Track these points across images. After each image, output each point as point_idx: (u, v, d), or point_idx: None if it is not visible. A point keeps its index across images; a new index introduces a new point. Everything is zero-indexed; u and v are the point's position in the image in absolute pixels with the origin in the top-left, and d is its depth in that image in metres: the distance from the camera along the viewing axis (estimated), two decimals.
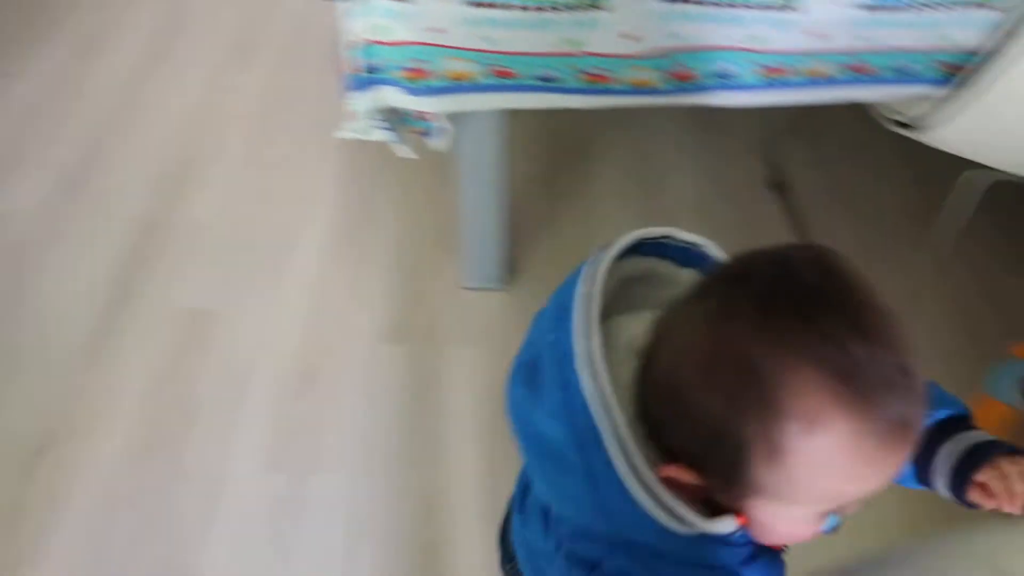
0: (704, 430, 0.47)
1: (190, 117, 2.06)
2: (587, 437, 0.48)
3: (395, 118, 1.22)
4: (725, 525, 0.49)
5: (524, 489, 0.70)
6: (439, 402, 1.47)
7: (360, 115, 1.18)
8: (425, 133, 1.25)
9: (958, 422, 0.63)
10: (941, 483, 0.62)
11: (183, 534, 1.28)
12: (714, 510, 0.50)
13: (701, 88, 1.22)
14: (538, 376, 0.52)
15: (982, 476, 0.60)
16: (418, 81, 1.16)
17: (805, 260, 0.47)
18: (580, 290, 0.53)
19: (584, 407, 0.48)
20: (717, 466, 0.47)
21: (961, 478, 0.61)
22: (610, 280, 0.54)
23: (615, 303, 0.56)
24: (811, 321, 0.44)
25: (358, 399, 1.47)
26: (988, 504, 0.60)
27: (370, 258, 1.72)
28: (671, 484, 0.49)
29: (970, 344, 1.48)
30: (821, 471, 0.45)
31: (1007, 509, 0.58)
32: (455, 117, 1.28)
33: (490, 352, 1.53)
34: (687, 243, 0.58)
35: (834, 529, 0.54)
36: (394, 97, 1.17)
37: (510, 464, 1.31)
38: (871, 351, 0.44)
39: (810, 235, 1.74)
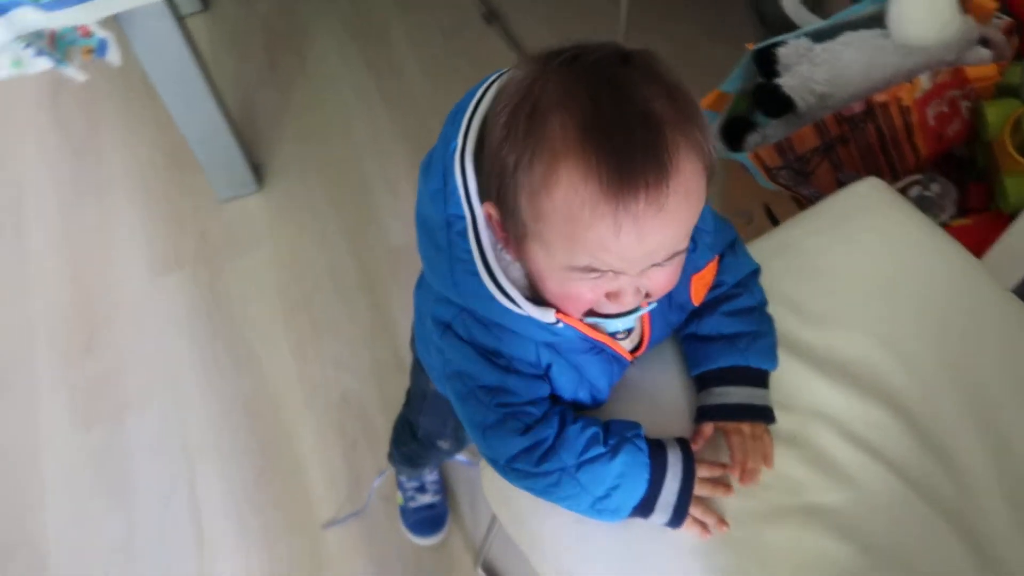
0: (497, 163, 0.55)
1: None
2: (454, 222, 0.58)
3: (55, 43, 1.16)
4: (544, 314, 0.59)
5: None
6: (231, 312, 1.51)
7: (6, 49, 1.11)
8: (97, 51, 1.20)
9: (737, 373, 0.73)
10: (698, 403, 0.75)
11: (17, 512, 1.30)
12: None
13: None
14: (431, 165, 0.60)
15: (730, 434, 0.71)
16: None
17: (610, 46, 0.54)
18: (476, 94, 0.59)
19: (455, 195, 0.57)
20: (504, 201, 0.56)
21: (705, 418, 0.73)
22: None
23: None
24: (582, 76, 0.52)
25: (151, 335, 1.49)
26: (700, 449, 0.71)
27: (112, 199, 1.67)
28: (491, 222, 0.58)
29: None
30: (562, 209, 0.52)
31: (735, 473, 0.70)
32: (123, 26, 1.23)
33: (263, 254, 1.58)
34: None
35: (625, 333, 0.65)
36: (33, 18, 1.10)
37: (319, 348, 1.43)
38: (621, 101, 0.51)
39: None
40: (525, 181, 0.53)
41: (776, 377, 0.79)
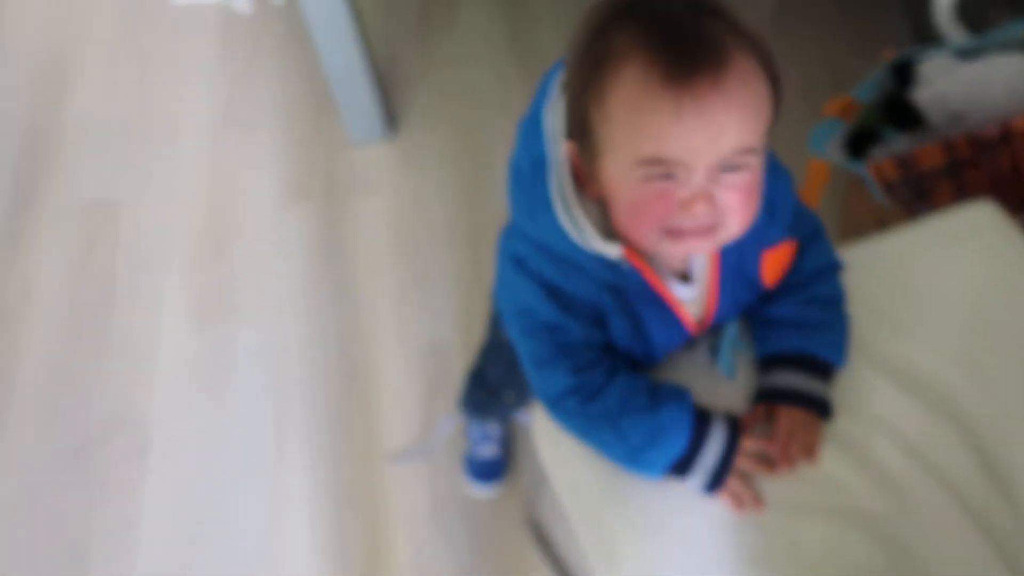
0: (569, 92, 0.60)
1: (53, 17, 2.05)
2: (538, 162, 0.63)
3: None
4: (611, 248, 0.62)
5: None
6: (344, 248, 1.61)
7: None
8: None
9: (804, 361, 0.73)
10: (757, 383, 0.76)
11: (128, 395, 1.45)
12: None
13: None
14: (528, 116, 0.66)
15: (779, 414, 0.72)
16: None
17: None
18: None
19: (540, 139, 0.63)
20: (577, 128, 0.61)
21: (761, 399, 0.74)
22: None
23: None
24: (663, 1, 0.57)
25: (270, 257, 1.61)
26: (751, 427, 0.72)
27: (259, 128, 1.80)
28: (574, 165, 0.62)
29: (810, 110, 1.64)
30: (627, 102, 0.56)
31: (774, 453, 0.71)
32: None
33: (383, 199, 1.67)
34: None
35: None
36: None
37: (418, 295, 1.50)
38: (697, 18, 0.55)
39: None
40: (595, 91, 0.57)
41: (845, 379, 0.78)
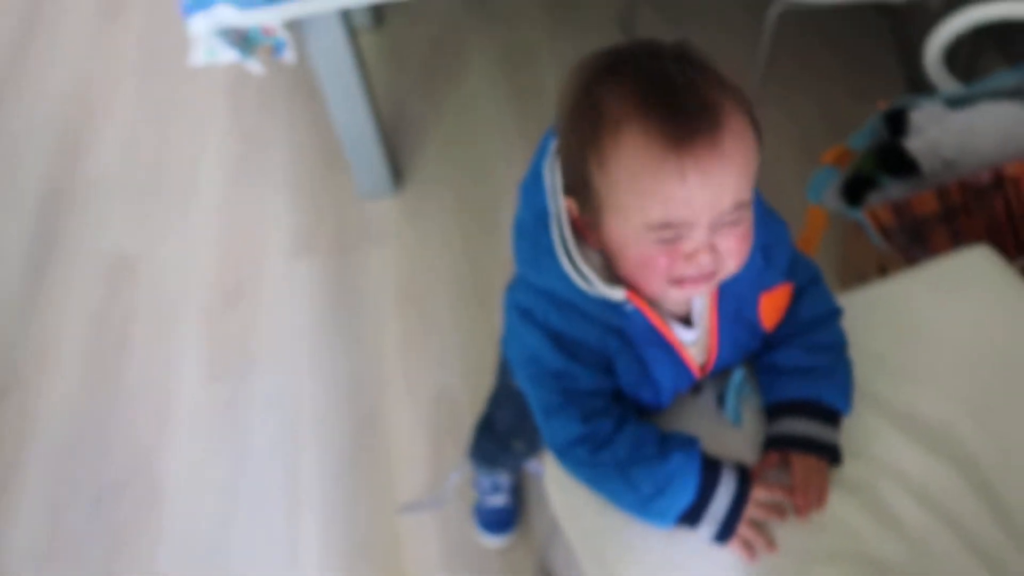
0: (567, 152, 0.63)
1: (76, 79, 2.13)
2: (540, 215, 0.66)
3: (243, 39, 1.33)
4: (615, 292, 0.65)
5: None
6: (353, 299, 1.64)
7: (202, 38, 1.28)
8: (275, 50, 1.36)
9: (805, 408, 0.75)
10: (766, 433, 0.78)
11: (144, 445, 1.46)
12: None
13: None
14: (527, 180, 0.70)
15: (794, 462, 0.74)
16: None
17: (668, 44, 0.61)
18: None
19: (542, 193, 0.66)
20: (578, 185, 0.63)
21: (771, 446, 0.76)
22: None
23: None
24: (647, 62, 0.60)
25: (281, 308, 1.64)
26: (765, 475, 0.74)
27: (270, 183, 1.85)
28: (573, 216, 0.65)
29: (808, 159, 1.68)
30: (629, 174, 0.58)
31: (793, 501, 0.72)
32: (302, 31, 1.39)
33: (391, 251, 1.70)
34: None
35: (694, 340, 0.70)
36: (227, 15, 1.26)
37: (425, 341, 1.53)
38: (679, 70, 0.59)
39: None
40: (593, 155, 0.60)
41: (851, 425, 0.79)
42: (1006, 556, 0.73)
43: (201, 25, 1.27)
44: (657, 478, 0.69)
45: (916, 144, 1.10)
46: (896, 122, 1.15)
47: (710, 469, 0.71)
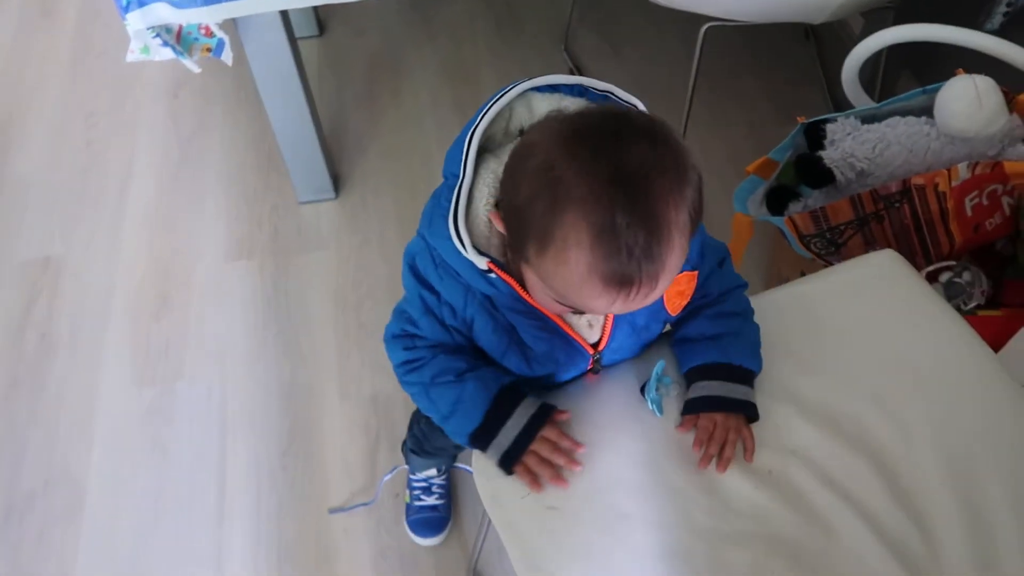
0: (513, 202, 0.63)
1: (5, 74, 2.07)
2: (448, 178, 0.70)
3: (180, 38, 1.32)
4: (479, 260, 0.67)
5: None
6: (288, 304, 1.63)
7: (139, 35, 1.27)
8: (214, 49, 1.35)
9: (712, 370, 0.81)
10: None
11: (65, 451, 1.42)
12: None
13: None
14: (454, 145, 0.70)
15: (700, 420, 0.80)
16: None
17: (636, 129, 0.59)
18: (501, 92, 0.70)
19: (458, 159, 0.68)
20: (512, 228, 0.65)
21: (687, 411, 0.82)
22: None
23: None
24: (611, 179, 0.56)
25: (213, 313, 1.62)
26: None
27: (206, 187, 1.83)
28: (496, 223, 0.67)
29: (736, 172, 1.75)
30: (564, 279, 0.61)
31: (699, 454, 0.79)
32: (240, 32, 1.39)
33: (326, 256, 1.70)
34: (600, 91, 0.73)
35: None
36: (164, 13, 1.25)
37: (361, 346, 1.52)
38: (633, 226, 0.56)
39: None
40: (535, 241, 0.61)
41: (765, 415, 0.83)
42: (907, 537, 0.77)
43: (138, 22, 1.26)
44: (450, 400, 0.78)
45: (831, 155, 1.16)
46: (814, 135, 1.21)
47: (506, 404, 0.77)
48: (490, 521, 0.88)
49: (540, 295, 0.68)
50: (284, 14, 1.43)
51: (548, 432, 0.78)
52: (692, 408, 0.81)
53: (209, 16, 1.29)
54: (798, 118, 1.24)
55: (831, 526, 0.77)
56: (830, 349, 0.89)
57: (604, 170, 0.57)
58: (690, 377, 0.82)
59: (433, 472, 1.28)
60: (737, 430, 0.79)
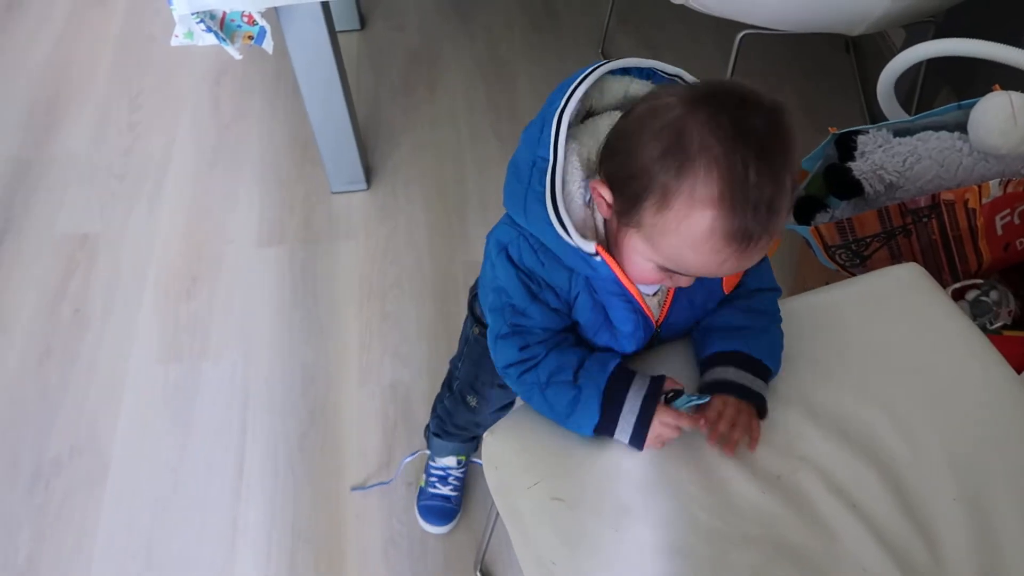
0: (630, 165, 0.66)
1: (56, 55, 2.13)
2: (538, 162, 0.70)
3: (224, 25, 1.35)
4: (588, 245, 0.69)
5: None
6: (315, 289, 1.65)
7: (184, 20, 1.30)
8: (256, 37, 1.38)
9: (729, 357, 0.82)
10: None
11: (92, 420, 1.46)
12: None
13: None
14: (534, 121, 0.72)
15: (713, 399, 0.80)
16: None
17: (759, 101, 0.62)
18: (584, 72, 0.71)
19: (547, 142, 0.69)
20: (626, 193, 0.67)
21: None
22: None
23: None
24: (739, 136, 0.60)
25: (241, 296, 1.65)
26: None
27: (242, 172, 1.87)
28: (596, 196, 0.69)
29: None
30: (681, 236, 0.63)
31: (699, 427, 0.79)
32: (282, 22, 1.42)
33: (355, 245, 1.72)
34: (670, 75, 0.74)
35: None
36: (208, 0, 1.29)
37: (384, 335, 1.55)
38: (761, 181, 0.60)
39: None
40: (658, 197, 0.63)
41: (775, 422, 0.83)
42: (911, 546, 0.76)
43: (183, 7, 1.30)
44: (568, 400, 0.77)
45: (861, 167, 1.15)
46: (845, 146, 1.20)
47: (618, 392, 0.77)
48: (498, 514, 0.89)
49: (640, 265, 0.70)
50: (326, 6, 1.46)
51: (664, 416, 0.78)
52: (706, 390, 0.81)
53: (252, 4, 1.32)
54: (830, 128, 1.23)
55: (836, 533, 0.77)
56: (847, 358, 0.88)
57: (733, 128, 0.61)
58: (708, 363, 0.83)
59: (453, 463, 1.29)
60: (748, 416, 0.80)
